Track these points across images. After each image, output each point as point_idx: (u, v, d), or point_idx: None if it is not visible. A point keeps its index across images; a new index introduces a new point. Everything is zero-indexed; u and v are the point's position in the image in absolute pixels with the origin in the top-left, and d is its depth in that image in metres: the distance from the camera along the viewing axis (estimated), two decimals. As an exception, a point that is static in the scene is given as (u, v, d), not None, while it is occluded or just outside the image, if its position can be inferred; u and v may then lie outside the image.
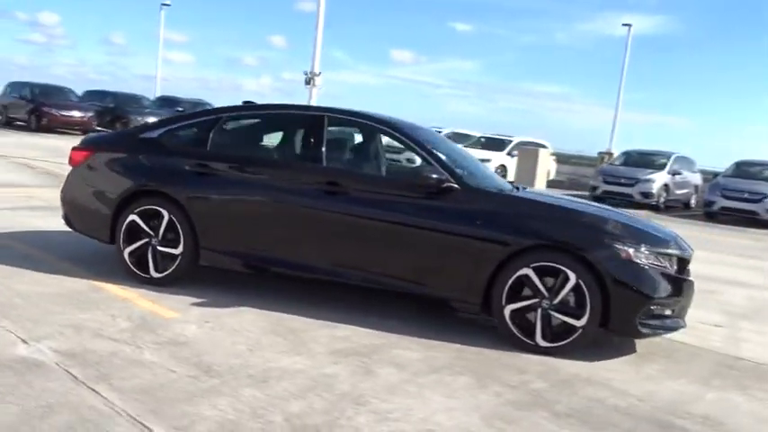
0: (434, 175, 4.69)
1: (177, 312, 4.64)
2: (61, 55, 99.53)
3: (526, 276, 4.52)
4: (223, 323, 4.49)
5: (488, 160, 19.82)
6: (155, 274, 5.20)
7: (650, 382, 4.24)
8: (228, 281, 5.38)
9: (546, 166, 18.50)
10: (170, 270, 5.18)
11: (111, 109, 24.15)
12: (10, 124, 23.22)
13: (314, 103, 12.86)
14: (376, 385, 3.72)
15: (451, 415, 3.44)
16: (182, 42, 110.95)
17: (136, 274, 5.23)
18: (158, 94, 31.29)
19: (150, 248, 5.21)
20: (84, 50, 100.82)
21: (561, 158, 26.45)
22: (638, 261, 4.47)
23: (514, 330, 4.56)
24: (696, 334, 5.32)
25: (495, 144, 21.07)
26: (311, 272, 4.97)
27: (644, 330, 4.53)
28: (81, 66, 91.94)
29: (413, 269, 4.78)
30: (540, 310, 4.52)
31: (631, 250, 4.47)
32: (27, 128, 22.46)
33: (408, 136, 4.99)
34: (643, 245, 4.55)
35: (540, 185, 17.79)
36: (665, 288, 4.56)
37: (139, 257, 5.23)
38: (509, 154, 19.81)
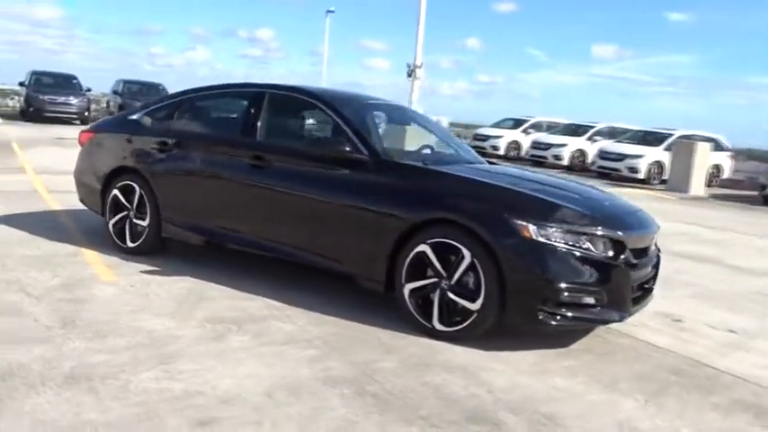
0: (342, 147, 4.54)
1: (117, 277, 4.98)
2: (275, 66, 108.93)
3: (424, 253, 4.19)
4: (145, 289, 4.72)
5: (640, 156, 18.36)
6: (129, 244, 5.62)
7: (532, 378, 3.72)
8: (216, 256, 5.55)
9: (705, 163, 16.56)
10: (140, 241, 5.56)
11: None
12: None
13: (415, 97, 12.83)
14: (206, 349, 3.71)
15: (242, 381, 3.33)
16: (381, 50, 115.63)
17: (117, 244, 5.69)
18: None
19: (128, 221, 5.63)
20: (295, 62, 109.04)
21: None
22: (541, 239, 3.93)
23: (413, 311, 4.25)
24: (689, 337, 4.53)
25: (651, 139, 19.46)
26: (248, 246, 5.05)
27: (550, 321, 3.97)
28: (290, 75, 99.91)
29: (329, 245, 4.66)
30: (438, 291, 4.17)
31: (532, 226, 3.95)
32: None
33: (334, 108, 4.86)
34: (552, 221, 3.99)
35: (697, 183, 16.02)
36: (580, 272, 3.97)
37: (120, 229, 5.68)
38: (667, 149, 18.07)
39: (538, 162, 22.26)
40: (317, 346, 3.90)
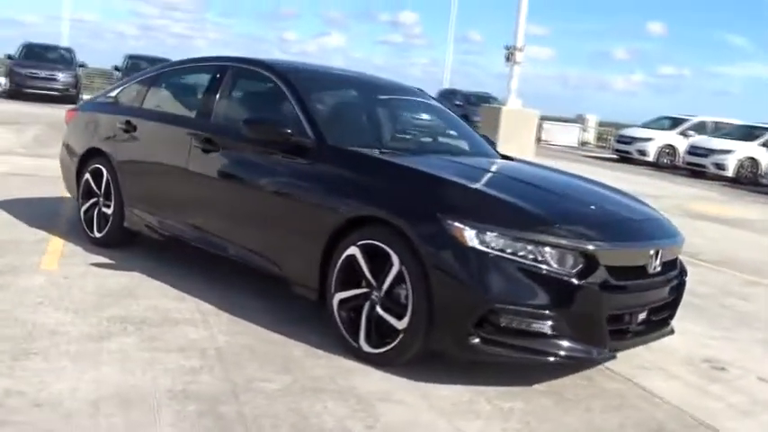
0: (283, 128, 4.40)
1: (59, 267, 5.17)
2: (417, 55, 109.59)
3: (354, 257, 3.99)
4: (75, 282, 4.84)
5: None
6: (96, 234, 5.83)
7: (443, 418, 3.42)
8: (194, 252, 5.34)
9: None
10: (105, 230, 5.75)
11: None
12: None
13: (514, 84, 12.36)
14: (76, 349, 3.73)
15: (79, 386, 3.31)
16: (541, 36, 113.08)
17: (86, 233, 5.93)
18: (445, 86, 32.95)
19: (97, 208, 5.85)
20: (440, 50, 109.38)
21: None
22: (479, 246, 3.59)
23: (340, 326, 4.05)
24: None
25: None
26: (198, 242, 5.04)
27: (485, 349, 3.62)
28: (433, 65, 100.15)
29: (268, 244, 4.55)
30: (368, 305, 3.94)
31: (469, 230, 3.62)
32: None
33: (289, 84, 4.73)
34: (496, 224, 3.63)
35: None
36: (529, 292, 3.59)
37: (90, 217, 5.91)
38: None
39: (696, 172, 20.77)
40: (207, 356, 3.81)
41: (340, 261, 4.03)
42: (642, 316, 4.04)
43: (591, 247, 3.68)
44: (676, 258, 4.32)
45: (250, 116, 4.62)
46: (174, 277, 5.10)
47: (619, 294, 3.79)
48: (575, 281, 3.61)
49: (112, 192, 5.65)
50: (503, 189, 4.01)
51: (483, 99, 25.87)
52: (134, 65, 23.61)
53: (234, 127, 4.76)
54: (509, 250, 3.59)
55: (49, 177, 8.23)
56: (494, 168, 4.68)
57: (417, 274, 3.69)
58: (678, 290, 4.29)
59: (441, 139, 5.40)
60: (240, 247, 4.68)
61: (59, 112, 9.30)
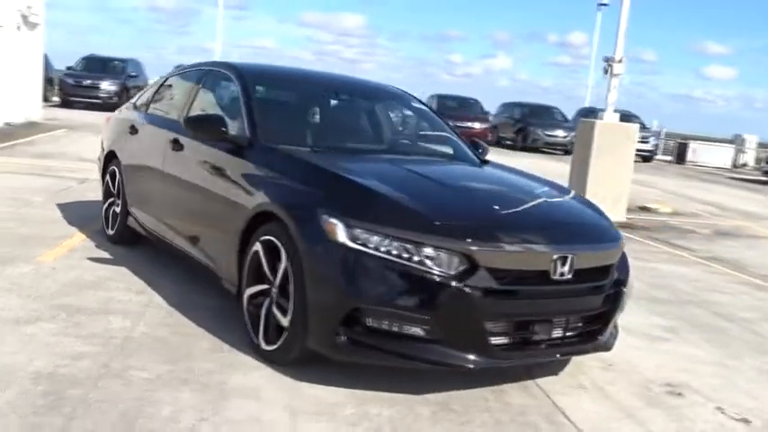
0: (219, 127, 4.46)
1: (53, 260, 5.50)
2: (583, 75, 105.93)
3: (258, 253, 3.97)
4: (58, 274, 5.13)
5: None
6: (109, 231, 6.20)
7: (276, 413, 3.30)
8: None
9: None
10: (114, 229, 6.09)
11: (517, 120, 25.65)
12: (499, 143, 26.14)
13: (612, 98, 11.61)
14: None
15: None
16: (725, 55, 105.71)
17: (104, 230, 6.32)
18: (587, 104, 31.46)
19: (112, 207, 6.22)
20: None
21: None
22: (350, 243, 3.45)
23: (247, 322, 4.03)
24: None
25: None
26: (169, 243, 5.20)
27: (354, 351, 3.47)
28: (604, 87, 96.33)
29: (206, 240, 4.64)
30: (267, 301, 3.91)
31: (342, 226, 3.49)
32: (513, 146, 25.33)
33: (242, 83, 4.78)
34: (370, 221, 3.47)
35: None
36: (399, 292, 3.40)
37: (107, 215, 6.29)
38: None
39: None
40: (108, 344, 3.90)
41: (248, 257, 4.01)
42: (558, 326, 3.69)
43: (471, 249, 3.42)
44: (609, 266, 3.91)
45: (191, 115, 4.72)
46: (153, 274, 5.28)
47: (507, 300, 3.49)
48: (451, 283, 3.37)
49: (121, 191, 5.96)
50: (401, 189, 3.80)
51: (625, 118, 24.70)
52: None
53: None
54: (382, 248, 3.41)
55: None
56: (421, 169, 4.41)
57: (296, 271, 3.60)
58: (613, 301, 3.88)
59: (397, 140, 5.24)
60: (191, 245, 4.78)
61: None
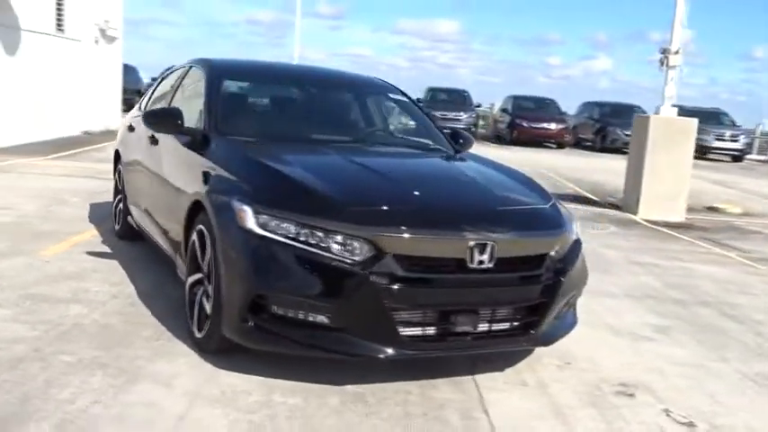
0: (174, 120, 4.50)
1: (52, 253, 5.72)
2: (691, 75, 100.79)
3: (194, 242, 4.00)
4: (48, 266, 5.34)
5: None
6: (116, 227, 6.41)
7: (168, 399, 3.29)
8: None
9: None
10: (120, 223, 6.29)
11: (596, 120, 24.78)
12: (579, 144, 25.68)
13: (670, 91, 11.02)
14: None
15: None
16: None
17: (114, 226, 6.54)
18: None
19: (120, 204, 6.43)
20: (718, 68, 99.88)
21: None
22: (257, 229, 3.41)
23: (187, 310, 4.06)
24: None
25: None
26: (149, 238, 5.32)
27: (263, 339, 3.44)
28: (710, 86, 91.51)
29: (166, 230, 4.72)
30: (201, 289, 3.93)
31: (250, 212, 3.46)
32: (593, 147, 24.77)
33: (209, 79, 4.82)
34: (277, 207, 3.42)
35: None
36: (302, 280, 3.34)
37: (116, 211, 6.50)
38: None
39: None
40: (54, 330, 3.99)
41: (189, 247, 4.04)
42: (485, 318, 3.53)
43: (375, 235, 3.31)
44: (543, 255, 3.69)
45: (148, 109, 4.79)
46: (139, 266, 5.41)
47: (418, 289, 3.36)
48: (355, 270, 3.28)
49: (122, 188, 6.15)
50: (323, 177, 3.72)
51: (713, 116, 23.64)
52: (433, 96, 26.25)
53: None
54: (289, 235, 3.36)
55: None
56: (367, 160, 4.27)
57: (216, 258, 3.60)
58: (551, 292, 3.66)
59: (365, 131, 5.13)
60: (161, 236, 4.87)
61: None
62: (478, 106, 26.77)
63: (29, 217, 7.00)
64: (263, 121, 4.91)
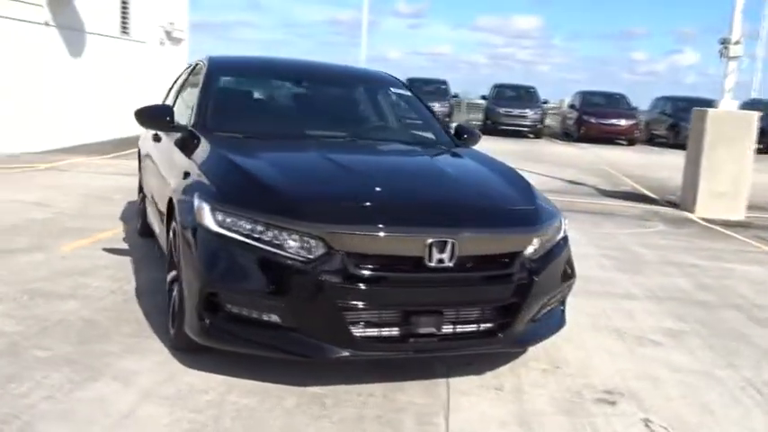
0: (163, 117, 4.53)
1: (71, 250, 5.85)
2: None
3: (171, 240, 3.99)
4: (63, 262, 5.46)
5: None
6: (138, 225, 6.51)
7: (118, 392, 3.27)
8: None
9: None
10: (141, 221, 6.39)
11: (669, 115, 23.79)
12: (651, 140, 24.92)
13: (730, 83, 10.42)
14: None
15: None
16: None
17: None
18: None
19: (141, 201, 6.52)
20: None
21: None
22: (214, 226, 3.36)
23: (168, 309, 4.06)
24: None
25: None
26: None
27: (220, 338, 3.38)
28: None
29: (159, 227, 4.74)
30: (177, 286, 3.90)
31: (208, 210, 3.41)
32: (665, 143, 23.96)
33: (206, 75, 4.82)
34: (233, 204, 3.37)
35: None
36: (254, 278, 3.27)
37: (140, 209, 6.60)
38: None
39: None
40: (37, 326, 4.04)
41: (169, 244, 4.04)
42: (448, 319, 3.38)
43: (326, 232, 3.21)
44: (514, 254, 3.49)
45: (138, 107, 4.81)
46: (145, 266, 5.43)
47: (373, 288, 3.23)
48: (304, 268, 3.19)
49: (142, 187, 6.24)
50: (288, 174, 3.65)
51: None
52: (499, 92, 25.66)
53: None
54: (244, 232, 3.30)
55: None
56: (342, 156, 4.15)
57: (179, 255, 3.58)
58: (523, 293, 3.47)
59: (358, 125, 5.00)
60: (158, 233, 4.90)
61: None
62: (545, 102, 26.09)
63: (64, 214, 7.19)
64: (255, 117, 4.84)
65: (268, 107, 5.08)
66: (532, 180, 4.45)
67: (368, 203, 3.43)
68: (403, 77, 25.67)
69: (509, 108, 23.77)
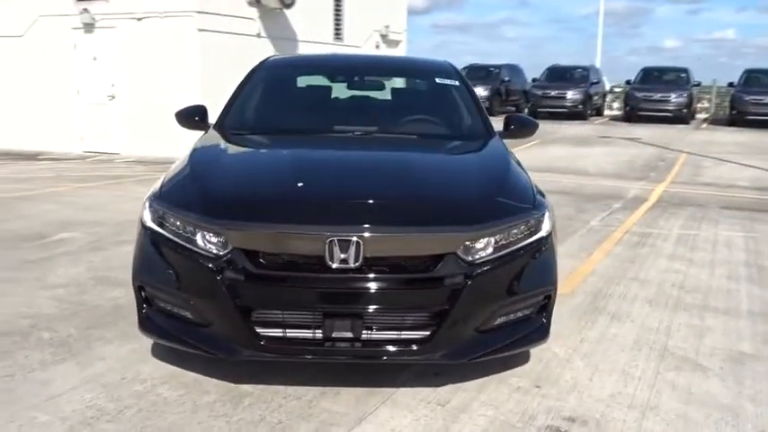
0: (192, 117, 4.67)
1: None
2: None
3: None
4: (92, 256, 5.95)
5: None
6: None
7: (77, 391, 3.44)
8: None
9: None
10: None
11: None
12: None
13: None
14: None
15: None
16: None
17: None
18: None
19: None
20: None
21: None
22: (151, 224, 3.41)
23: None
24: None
25: None
26: None
27: (152, 330, 3.44)
28: None
29: None
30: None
31: (147, 209, 3.49)
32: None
33: (247, 74, 4.92)
34: (170, 203, 3.41)
35: None
36: (170, 273, 3.29)
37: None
38: None
39: None
40: (71, 310, 4.42)
41: None
42: (366, 324, 3.13)
43: (224, 230, 3.15)
44: (444, 255, 3.10)
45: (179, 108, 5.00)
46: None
47: (273, 288, 3.09)
48: (208, 265, 3.15)
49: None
50: (233, 173, 3.68)
51: None
52: (644, 76, 23.57)
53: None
54: (170, 228, 3.33)
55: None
56: (337, 154, 4.09)
57: (141, 254, 3.70)
58: (454, 298, 3.09)
59: (395, 121, 4.70)
60: None
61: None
62: (697, 85, 22.90)
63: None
64: (280, 114, 4.72)
65: (298, 103, 4.96)
66: None
67: (275, 201, 3.29)
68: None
69: (649, 93, 21.66)
